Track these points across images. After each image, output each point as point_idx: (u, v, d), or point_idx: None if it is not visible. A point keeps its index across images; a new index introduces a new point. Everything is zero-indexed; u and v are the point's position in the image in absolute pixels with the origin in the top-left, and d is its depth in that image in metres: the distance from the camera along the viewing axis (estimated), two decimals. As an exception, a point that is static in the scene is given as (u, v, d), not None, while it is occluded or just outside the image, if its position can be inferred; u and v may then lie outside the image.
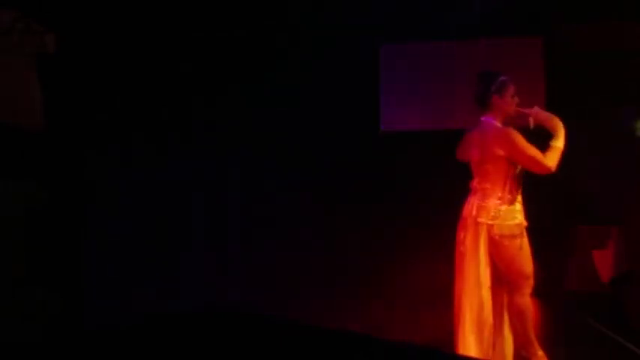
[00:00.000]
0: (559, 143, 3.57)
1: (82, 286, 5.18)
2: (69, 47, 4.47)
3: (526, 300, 3.61)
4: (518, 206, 3.59)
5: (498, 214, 3.54)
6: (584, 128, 5.45)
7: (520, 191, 3.63)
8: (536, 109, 3.70)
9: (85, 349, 3.02)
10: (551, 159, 3.53)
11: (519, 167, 3.59)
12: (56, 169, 4.69)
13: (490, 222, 3.54)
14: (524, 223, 3.59)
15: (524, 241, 3.56)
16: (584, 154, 5.28)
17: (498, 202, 3.56)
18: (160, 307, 5.15)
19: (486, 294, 3.54)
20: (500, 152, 3.53)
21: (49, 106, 4.13)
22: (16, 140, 4.07)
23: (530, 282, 3.61)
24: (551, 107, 5.51)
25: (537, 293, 3.72)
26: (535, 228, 3.71)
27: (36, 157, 4.22)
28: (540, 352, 3.63)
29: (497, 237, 3.53)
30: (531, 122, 3.69)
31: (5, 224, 3.96)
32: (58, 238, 4.76)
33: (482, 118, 3.69)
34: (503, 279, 3.64)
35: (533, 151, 3.52)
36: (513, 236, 3.54)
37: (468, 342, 3.53)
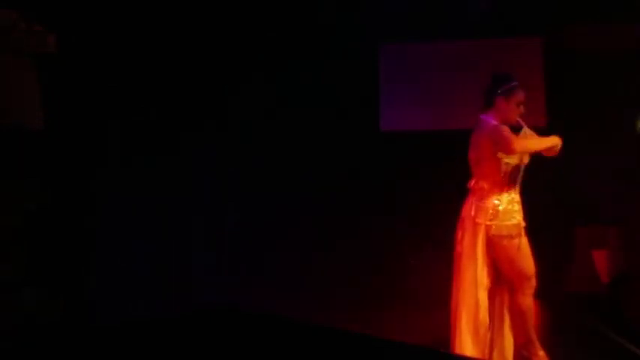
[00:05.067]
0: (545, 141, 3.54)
1: (83, 287, 5.18)
2: (69, 47, 4.46)
3: (528, 300, 3.60)
4: (517, 206, 3.58)
5: (496, 214, 3.53)
6: (584, 128, 5.46)
7: (518, 191, 3.62)
8: (528, 130, 3.66)
9: (86, 349, 3.02)
10: (521, 143, 3.48)
11: (515, 166, 3.58)
12: (56, 169, 4.68)
13: (488, 222, 3.53)
14: (523, 224, 3.58)
15: (523, 242, 3.55)
16: (584, 154, 5.29)
17: (496, 202, 3.55)
18: (161, 307, 5.15)
19: (483, 295, 3.53)
20: (493, 148, 3.52)
21: (49, 106, 4.12)
22: (16, 140, 4.06)
23: (532, 282, 3.60)
24: (551, 107, 5.56)
25: (537, 294, 3.72)
26: (535, 228, 3.71)
27: (36, 157, 4.21)
28: (541, 352, 3.63)
29: (495, 237, 3.52)
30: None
31: (5, 224, 3.96)
32: (59, 239, 4.76)
33: (482, 116, 3.68)
34: (504, 279, 3.64)
35: (509, 135, 3.47)
36: (511, 237, 3.53)
37: (465, 342, 3.53)
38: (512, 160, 3.56)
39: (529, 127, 3.68)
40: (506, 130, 3.49)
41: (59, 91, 4.53)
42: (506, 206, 3.55)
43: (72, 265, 4.99)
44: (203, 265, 5.72)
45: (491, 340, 3.63)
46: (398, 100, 5.91)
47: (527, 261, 3.57)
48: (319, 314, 4.48)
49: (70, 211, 5.10)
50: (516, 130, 3.66)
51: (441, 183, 5.01)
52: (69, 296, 4.40)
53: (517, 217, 3.56)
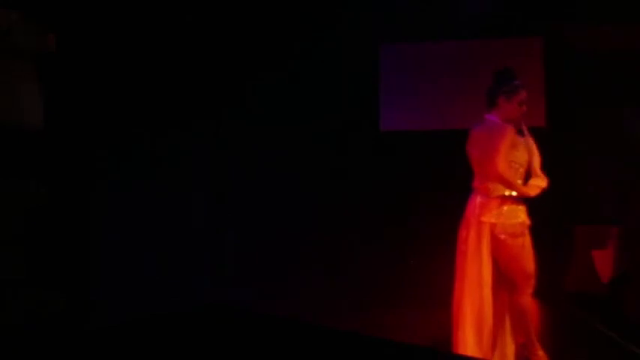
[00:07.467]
0: (538, 182, 3.57)
1: (83, 286, 5.19)
2: (69, 47, 4.46)
3: (527, 300, 3.61)
4: (521, 205, 3.58)
5: (501, 212, 3.53)
6: (584, 128, 5.46)
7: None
8: (527, 133, 3.67)
9: (86, 348, 3.02)
10: (506, 171, 3.49)
11: (520, 165, 3.58)
12: (56, 169, 4.69)
13: (493, 221, 3.53)
14: (527, 222, 3.58)
15: (527, 240, 3.55)
16: (585, 154, 5.29)
17: (501, 201, 3.55)
18: (161, 305, 5.15)
19: (487, 293, 3.53)
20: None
21: (49, 106, 4.12)
22: (16, 140, 4.06)
23: (532, 282, 3.60)
24: (551, 107, 5.56)
25: (537, 293, 3.72)
26: (535, 228, 3.71)
27: (36, 157, 4.21)
28: (541, 352, 3.63)
29: (500, 236, 3.52)
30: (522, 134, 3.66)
31: (5, 224, 3.96)
32: (59, 238, 4.76)
33: (486, 116, 3.68)
34: (505, 278, 3.64)
35: (503, 153, 3.48)
36: (516, 235, 3.53)
37: (468, 341, 3.52)
38: (517, 158, 3.56)
39: (529, 127, 3.69)
40: (506, 140, 3.49)
41: (59, 91, 4.54)
42: (511, 205, 3.54)
43: (72, 265, 4.99)
44: (203, 265, 5.71)
45: (493, 340, 3.63)
46: (398, 100, 5.91)
47: (529, 260, 3.56)
48: (319, 314, 4.48)
49: (70, 211, 5.10)
50: (516, 130, 3.66)
51: (441, 183, 5.01)
52: (69, 296, 4.40)
53: (522, 216, 3.56)
